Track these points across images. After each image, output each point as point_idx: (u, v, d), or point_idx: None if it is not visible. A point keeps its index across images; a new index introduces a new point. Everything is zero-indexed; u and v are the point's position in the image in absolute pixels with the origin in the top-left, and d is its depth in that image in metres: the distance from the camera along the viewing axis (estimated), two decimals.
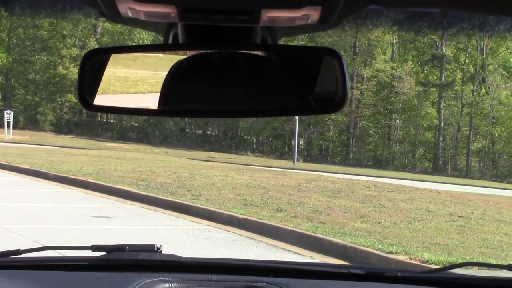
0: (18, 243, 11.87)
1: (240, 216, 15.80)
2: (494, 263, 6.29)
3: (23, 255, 2.59)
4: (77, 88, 1.82)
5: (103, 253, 2.59)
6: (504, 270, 2.74)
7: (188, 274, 2.47)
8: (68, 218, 15.39)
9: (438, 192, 24.42)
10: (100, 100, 1.87)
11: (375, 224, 15.77)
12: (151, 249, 2.61)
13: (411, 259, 12.09)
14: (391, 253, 12.51)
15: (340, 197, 20.72)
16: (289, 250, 13.37)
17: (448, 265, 2.73)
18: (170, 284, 2.31)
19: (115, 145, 49.44)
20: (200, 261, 2.65)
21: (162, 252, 2.64)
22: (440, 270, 2.78)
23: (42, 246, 2.72)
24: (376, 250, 12.76)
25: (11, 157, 28.95)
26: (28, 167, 25.76)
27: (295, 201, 18.98)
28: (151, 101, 1.83)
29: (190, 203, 17.56)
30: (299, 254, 13.10)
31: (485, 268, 2.63)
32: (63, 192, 20.29)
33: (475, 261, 11.43)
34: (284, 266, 2.75)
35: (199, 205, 17.23)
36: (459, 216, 17.80)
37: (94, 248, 2.60)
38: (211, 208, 16.81)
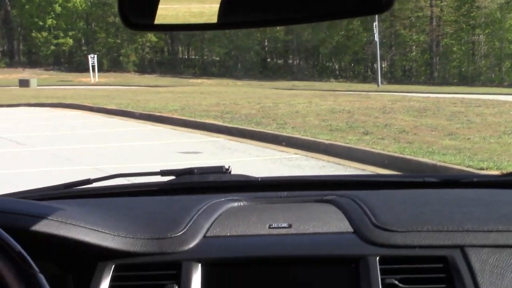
0: None
1: (327, 142, 15.60)
2: None
3: (94, 184, 2.60)
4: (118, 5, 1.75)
5: (173, 177, 2.59)
6: None
7: (257, 192, 2.44)
8: (157, 155, 15.38)
9: None
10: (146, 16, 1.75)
11: (464, 141, 15.45)
12: (220, 170, 2.59)
13: (503, 173, 11.72)
14: (482, 169, 12.20)
15: (426, 115, 20.52)
16: (378, 171, 13.14)
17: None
18: (238, 203, 2.27)
19: (198, 81, 49.82)
20: (269, 180, 2.63)
21: (232, 173, 2.63)
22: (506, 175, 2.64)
23: (111, 174, 2.73)
24: (467, 167, 12.44)
25: (98, 99, 29.38)
26: (115, 107, 26.01)
27: (381, 123, 18.83)
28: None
29: (276, 132, 17.43)
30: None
31: None
32: (150, 129, 20.41)
33: None
34: (355, 179, 2.74)
35: (284, 134, 17.08)
36: None
37: (163, 173, 2.60)
38: (297, 135, 16.67)
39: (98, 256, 1.92)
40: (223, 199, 2.27)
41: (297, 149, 15.68)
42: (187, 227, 2.03)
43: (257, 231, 2.06)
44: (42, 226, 1.87)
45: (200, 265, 1.92)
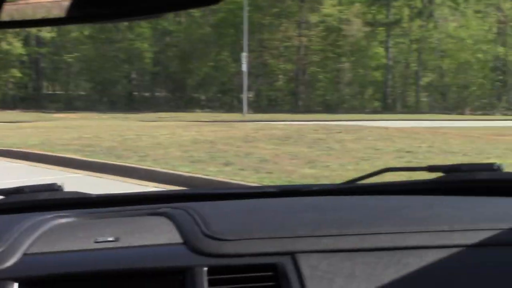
0: None
1: (187, 174, 15.57)
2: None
3: None
4: None
5: (2, 197, 2.53)
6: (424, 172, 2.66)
7: (90, 209, 2.39)
8: None
9: (386, 129, 24.63)
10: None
11: (323, 168, 15.69)
12: (52, 188, 2.54)
13: None
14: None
15: (288, 143, 20.72)
16: None
17: (366, 174, 2.65)
18: (66, 219, 2.20)
19: (62, 115, 49.20)
20: (104, 196, 2.59)
21: (64, 190, 2.57)
22: (357, 179, 2.70)
23: None
24: None
25: None
26: None
27: (242, 152, 18.89)
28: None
29: (136, 165, 17.25)
30: None
31: (405, 172, 2.63)
32: (9, 166, 20.00)
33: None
34: (189, 192, 2.75)
35: (145, 167, 16.92)
36: (407, 152, 17.99)
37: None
38: (157, 168, 16.56)
39: None
40: (49, 216, 2.20)
41: (157, 183, 15.52)
42: (5, 246, 1.95)
43: (82, 246, 2.00)
44: None
45: (17, 284, 1.83)
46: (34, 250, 1.98)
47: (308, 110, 57.17)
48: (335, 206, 2.24)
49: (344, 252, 1.90)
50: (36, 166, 19.37)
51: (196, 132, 24.57)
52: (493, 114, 56.78)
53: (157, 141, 22.21)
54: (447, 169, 2.55)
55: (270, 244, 1.92)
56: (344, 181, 2.74)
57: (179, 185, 14.79)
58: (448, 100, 62.81)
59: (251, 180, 14.29)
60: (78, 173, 17.62)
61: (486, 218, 2.00)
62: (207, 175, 15.14)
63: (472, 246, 1.89)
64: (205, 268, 1.87)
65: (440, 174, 2.53)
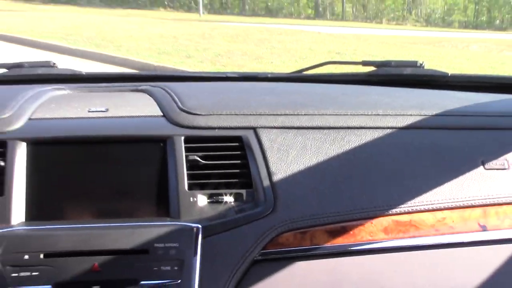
0: None
1: (156, 64, 15.42)
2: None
3: None
4: None
5: (5, 70, 2.49)
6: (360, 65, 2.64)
7: (81, 83, 2.36)
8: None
9: (319, 33, 24.48)
10: None
11: (268, 64, 15.61)
12: (48, 64, 2.50)
13: None
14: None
15: (238, 41, 20.51)
16: None
17: (312, 65, 2.63)
18: (62, 92, 2.19)
19: (46, 7, 47.99)
20: (93, 73, 2.54)
21: (58, 67, 2.54)
22: (304, 70, 2.68)
23: None
24: None
25: None
26: None
27: (201, 47, 18.68)
28: None
29: (113, 54, 17.05)
30: None
31: (343, 65, 2.57)
32: (5, 48, 19.55)
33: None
34: (168, 74, 2.67)
35: (120, 55, 16.76)
36: (336, 53, 17.85)
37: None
38: (130, 57, 16.40)
39: None
40: (48, 88, 2.18)
41: (132, 69, 15.35)
42: (13, 111, 1.93)
43: (78, 114, 1.97)
44: None
45: (25, 143, 1.82)
46: (38, 116, 1.96)
47: (253, 14, 56.18)
48: (288, 91, 2.23)
49: (297, 129, 1.92)
50: (25, 49, 19.04)
51: (161, 28, 24.16)
52: (405, 24, 56.61)
53: (129, 34, 21.88)
54: (379, 64, 2.55)
55: (236, 120, 1.93)
56: (293, 71, 2.72)
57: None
58: (368, 11, 62.40)
59: (209, 70, 14.08)
60: (62, 57, 17.28)
61: (413, 105, 2.03)
62: (172, 65, 15.01)
63: (402, 128, 1.94)
64: (182, 137, 1.87)
65: (372, 68, 2.54)
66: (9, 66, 2.48)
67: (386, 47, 21.63)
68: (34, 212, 1.78)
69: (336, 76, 2.56)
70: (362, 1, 63.61)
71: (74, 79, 2.45)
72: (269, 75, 2.56)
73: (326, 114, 1.98)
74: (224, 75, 2.59)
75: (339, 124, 1.95)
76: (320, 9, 61.44)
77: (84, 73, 2.49)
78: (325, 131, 1.94)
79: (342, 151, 1.90)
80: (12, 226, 1.74)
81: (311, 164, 1.87)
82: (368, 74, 2.54)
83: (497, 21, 65.95)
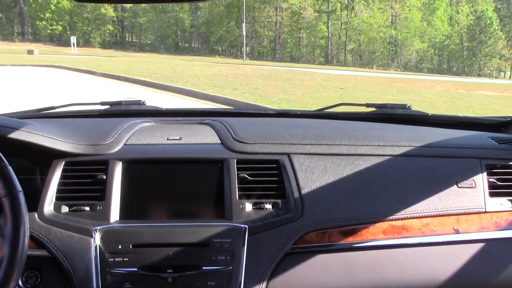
0: None
1: (212, 94, 15.44)
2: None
3: (57, 110, 2.41)
4: None
5: (108, 106, 2.45)
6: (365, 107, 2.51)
7: (162, 117, 2.29)
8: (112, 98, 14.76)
9: (328, 74, 24.47)
10: None
11: (291, 95, 15.53)
12: (139, 102, 2.45)
13: None
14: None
15: (270, 79, 20.49)
16: None
17: (330, 105, 2.56)
18: (149, 123, 2.13)
19: (137, 54, 48.43)
20: (170, 109, 2.47)
21: (146, 104, 2.49)
22: (324, 108, 2.57)
23: (69, 103, 2.50)
24: None
25: (73, 64, 28.20)
26: (84, 68, 24.83)
27: (244, 83, 18.65)
28: None
29: (181, 87, 17.05)
30: None
31: (355, 107, 2.49)
32: (105, 82, 19.77)
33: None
34: (225, 110, 2.60)
35: (187, 88, 16.75)
36: (340, 88, 17.86)
37: (102, 103, 2.44)
38: (194, 89, 16.38)
39: (54, 155, 1.78)
40: (138, 121, 2.14)
41: (195, 98, 15.41)
42: (113, 138, 1.89)
43: (160, 141, 1.92)
44: (16, 134, 1.72)
45: (121, 163, 1.80)
46: (131, 142, 1.92)
47: (281, 60, 56.60)
48: (312, 125, 2.16)
49: (319, 155, 1.86)
50: (122, 83, 19.20)
51: (216, 69, 24.26)
52: (389, 69, 56.45)
53: (194, 73, 21.97)
54: (378, 106, 2.48)
55: (274, 147, 1.87)
56: (316, 109, 2.60)
57: (207, 100, 14.80)
58: (363, 59, 62.35)
59: (250, 99, 14.11)
60: (147, 89, 17.51)
61: (404, 138, 1.97)
62: (224, 95, 15.00)
63: (396, 156, 1.88)
64: (235, 160, 1.82)
65: (373, 108, 2.47)
66: (111, 103, 2.45)
67: (375, 84, 21.51)
68: (126, 214, 1.75)
69: (347, 114, 2.47)
70: (359, 52, 63.82)
71: (157, 114, 2.40)
72: (298, 112, 2.48)
73: (341, 144, 1.92)
74: (265, 112, 2.52)
75: (350, 152, 1.89)
76: (329, 57, 61.70)
77: (164, 109, 2.44)
78: (340, 157, 1.88)
79: (352, 172, 1.84)
80: (110, 223, 1.71)
81: (330, 181, 1.81)
82: (371, 113, 2.46)
83: (454, 69, 65.56)
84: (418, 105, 14.02)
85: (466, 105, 15.73)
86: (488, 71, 67.26)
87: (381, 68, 57.66)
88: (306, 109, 3.07)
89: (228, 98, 14.61)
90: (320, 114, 2.48)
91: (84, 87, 17.40)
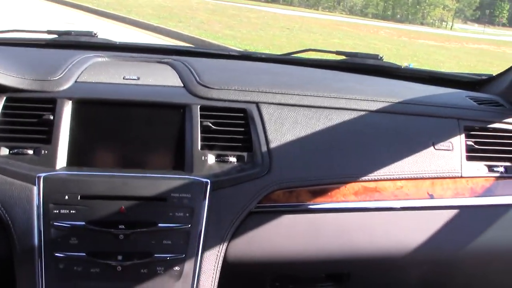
0: None
1: (155, 25, 14.93)
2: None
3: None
4: None
5: (56, 36, 2.19)
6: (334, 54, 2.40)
7: (116, 52, 2.08)
8: (49, 24, 14.23)
9: (274, 14, 24.18)
10: None
11: (237, 31, 15.26)
12: (90, 34, 2.22)
13: None
14: (246, 50, 12.17)
15: (216, 14, 20.09)
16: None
17: (297, 50, 2.39)
18: (102, 59, 1.94)
19: None
20: (125, 44, 2.27)
21: (98, 37, 2.26)
22: (291, 53, 2.42)
23: (10, 29, 2.22)
24: (237, 48, 12.35)
25: None
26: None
27: (189, 16, 18.17)
28: None
29: (125, 15, 16.23)
30: None
31: (320, 53, 2.35)
32: (40, 4, 18.86)
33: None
34: (188, 49, 2.42)
35: (130, 17, 15.96)
36: (287, 28, 17.70)
37: (49, 32, 2.19)
38: (138, 19, 15.68)
39: None
40: (91, 55, 1.92)
41: (138, 28, 14.94)
42: (63, 74, 1.68)
43: (115, 80, 1.74)
44: None
45: (70, 102, 1.61)
46: (82, 79, 1.72)
47: None
48: (280, 72, 2.03)
49: (290, 106, 1.74)
50: (61, 7, 18.36)
51: (161, 0, 23.39)
52: (334, 12, 56.44)
53: (138, 3, 21.00)
54: (348, 54, 2.34)
55: (241, 95, 1.72)
56: (282, 53, 2.46)
57: (150, 31, 14.27)
58: (309, 0, 62.07)
59: (195, 33, 13.79)
60: (88, 15, 16.73)
61: (380, 93, 1.86)
62: (168, 27, 14.56)
63: (373, 112, 1.78)
64: (199, 106, 1.66)
65: (343, 56, 2.33)
66: (59, 33, 2.21)
67: (322, 26, 21.41)
68: (74, 160, 1.57)
69: (316, 61, 2.33)
70: None
71: (110, 48, 2.18)
72: (263, 56, 2.32)
73: (314, 96, 1.78)
74: (227, 53, 2.34)
75: (324, 105, 1.76)
76: None
77: (118, 43, 2.22)
78: (313, 109, 1.74)
79: (325, 127, 1.71)
80: (56, 170, 1.53)
81: (300, 136, 1.68)
82: (341, 62, 2.32)
83: (398, 16, 66.06)
84: (364, 51, 14.00)
85: (410, 53, 15.84)
86: (431, 20, 68.19)
87: (327, 10, 57.54)
88: (271, 52, 2.90)
89: (172, 30, 14.20)
90: (286, 59, 2.32)
91: (13, 7, 16.58)
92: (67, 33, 2.20)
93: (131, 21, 15.60)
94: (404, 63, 2.59)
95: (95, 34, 2.24)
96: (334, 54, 2.37)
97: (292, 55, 2.38)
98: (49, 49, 2.12)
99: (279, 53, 2.45)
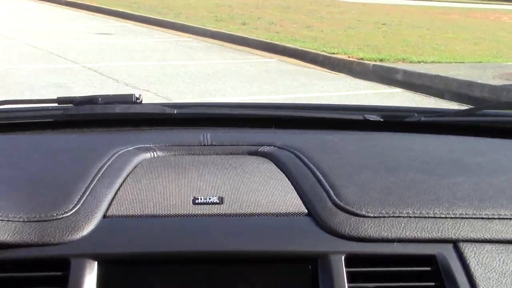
0: (38, 55, 11.16)
1: (213, 29, 14.45)
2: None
3: None
4: None
5: (71, 106, 1.63)
6: None
7: (174, 129, 1.59)
8: (78, 35, 13.71)
9: (364, 5, 23.45)
10: None
11: (318, 32, 14.43)
12: (129, 99, 1.60)
13: (349, 57, 11.12)
14: (333, 53, 11.42)
15: (289, 11, 19.27)
16: (253, 53, 12.16)
17: (479, 106, 1.77)
18: (151, 153, 1.35)
19: None
20: (187, 113, 1.67)
21: (143, 102, 1.64)
22: (472, 110, 1.80)
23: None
24: (321, 51, 11.63)
25: None
26: None
27: (255, 15, 17.44)
28: None
29: (173, 20, 15.96)
30: (261, 56, 11.99)
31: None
32: (74, 14, 18.88)
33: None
34: (287, 115, 1.71)
35: (180, 22, 15.68)
36: (382, 24, 16.95)
37: (60, 101, 1.63)
38: (190, 23, 15.31)
39: None
40: (131, 148, 1.35)
41: (190, 34, 14.61)
42: (82, 201, 1.11)
43: (178, 210, 1.13)
44: None
45: (96, 263, 1.02)
46: (117, 210, 1.13)
47: None
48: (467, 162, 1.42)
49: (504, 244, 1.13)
50: (95, 15, 18.37)
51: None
52: None
53: (187, 2, 20.78)
54: (81, 100, 1.68)
55: (424, 226, 1.09)
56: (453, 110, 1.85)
57: (207, 37, 13.95)
58: None
59: (264, 37, 13.14)
60: (126, 23, 16.70)
61: None
62: (229, 31, 14.06)
63: None
64: (343, 256, 1.06)
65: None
66: (78, 101, 1.63)
67: (425, 16, 20.65)
68: None
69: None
70: None
71: (164, 121, 1.62)
72: (422, 119, 1.63)
73: None
74: (361, 118, 1.65)
75: None
76: None
77: (176, 112, 1.63)
78: None
79: None
80: None
81: None
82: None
83: None
84: (492, 48, 13.15)
85: None
86: None
87: None
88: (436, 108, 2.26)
89: (235, 35, 13.77)
90: (469, 122, 1.68)
91: (38, 20, 16.57)
92: (90, 100, 1.63)
93: (180, 26, 15.31)
94: None
95: (138, 98, 1.64)
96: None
97: (480, 112, 1.74)
98: (59, 133, 1.63)
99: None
